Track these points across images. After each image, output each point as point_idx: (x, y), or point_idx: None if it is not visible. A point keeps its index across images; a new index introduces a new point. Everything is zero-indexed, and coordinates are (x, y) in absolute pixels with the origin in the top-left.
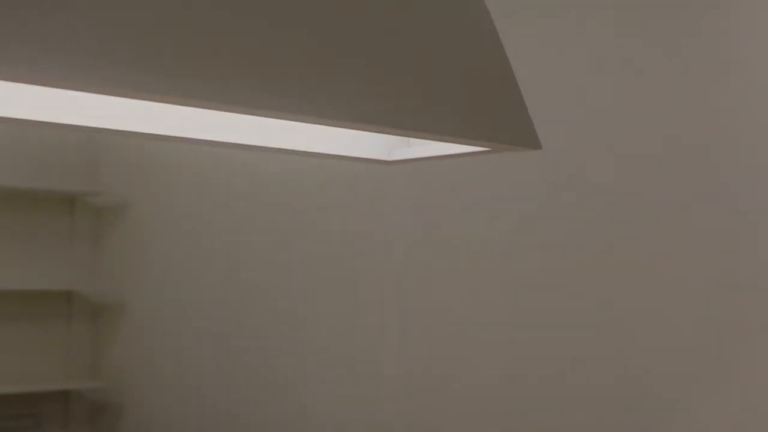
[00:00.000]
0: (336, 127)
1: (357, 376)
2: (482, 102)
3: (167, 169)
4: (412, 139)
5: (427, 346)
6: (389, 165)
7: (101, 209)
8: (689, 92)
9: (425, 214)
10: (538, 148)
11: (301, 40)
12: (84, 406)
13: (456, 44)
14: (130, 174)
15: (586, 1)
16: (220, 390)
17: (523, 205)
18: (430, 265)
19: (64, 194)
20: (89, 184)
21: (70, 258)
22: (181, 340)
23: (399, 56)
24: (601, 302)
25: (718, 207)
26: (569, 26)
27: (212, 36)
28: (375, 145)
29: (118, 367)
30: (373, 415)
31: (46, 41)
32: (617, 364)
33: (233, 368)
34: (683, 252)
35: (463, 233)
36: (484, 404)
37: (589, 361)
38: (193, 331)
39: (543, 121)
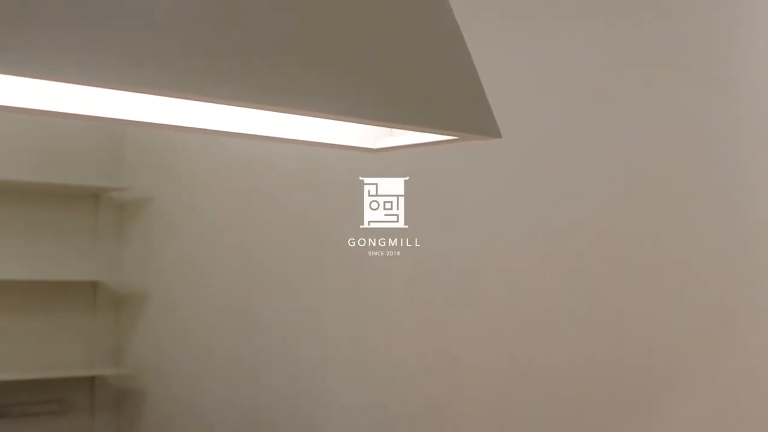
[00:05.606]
0: (327, 119)
1: (370, 363)
2: (450, 96)
3: (189, 164)
4: (395, 130)
5: (437, 330)
6: (375, 153)
7: (125, 204)
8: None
9: (437, 202)
10: (498, 136)
11: (297, 48)
12: (109, 392)
13: (425, 43)
14: (152, 170)
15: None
16: (240, 375)
17: (525, 195)
18: (441, 251)
19: (90, 189)
20: (113, 180)
21: (95, 250)
22: (202, 329)
23: (379, 57)
24: (602, 294)
25: (706, 207)
26: (530, 25)
27: (215, 36)
28: (363, 135)
29: (141, 354)
30: (385, 399)
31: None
32: (621, 354)
33: (253, 355)
34: (675, 251)
35: (475, 221)
36: (492, 389)
37: (588, 348)
38: (213, 320)
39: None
